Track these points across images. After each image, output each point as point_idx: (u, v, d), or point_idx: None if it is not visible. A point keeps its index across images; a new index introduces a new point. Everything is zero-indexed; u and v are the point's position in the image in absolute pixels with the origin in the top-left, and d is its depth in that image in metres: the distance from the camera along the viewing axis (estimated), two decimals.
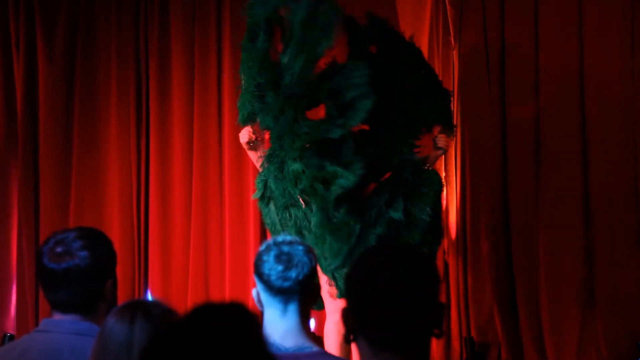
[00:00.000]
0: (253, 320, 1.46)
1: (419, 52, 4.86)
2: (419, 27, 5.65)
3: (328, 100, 4.32)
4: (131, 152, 6.31)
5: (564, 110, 5.58)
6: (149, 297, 6.07)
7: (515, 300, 5.57)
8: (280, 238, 2.40)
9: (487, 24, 5.72)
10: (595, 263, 5.48)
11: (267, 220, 4.65)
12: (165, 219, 6.25)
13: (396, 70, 4.61)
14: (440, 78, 5.09)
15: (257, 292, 2.40)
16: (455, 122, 5.21)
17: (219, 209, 6.16)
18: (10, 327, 6.22)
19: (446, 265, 5.68)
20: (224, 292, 6.01)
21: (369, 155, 4.40)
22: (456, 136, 5.40)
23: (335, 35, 4.37)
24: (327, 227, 4.30)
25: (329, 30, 4.31)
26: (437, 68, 5.55)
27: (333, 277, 4.44)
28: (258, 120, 4.48)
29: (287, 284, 2.33)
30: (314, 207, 4.35)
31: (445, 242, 5.58)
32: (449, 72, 5.71)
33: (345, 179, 4.21)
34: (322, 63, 4.41)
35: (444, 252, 5.65)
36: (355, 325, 1.83)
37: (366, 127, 4.53)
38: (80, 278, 2.23)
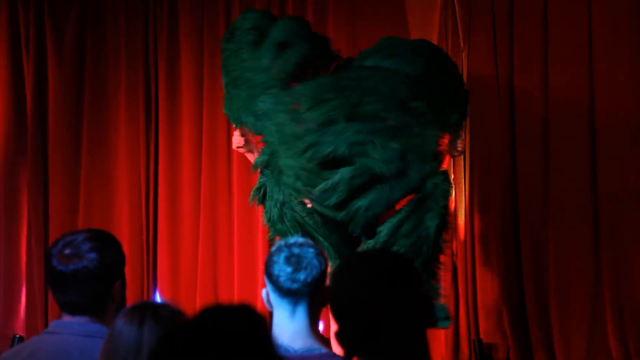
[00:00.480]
0: (261, 322, 1.46)
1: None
2: (427, 29, 5.65)
3: None
4: (140, 153, 6.31)
5: (573, 111, 5.56)
6: (158, 298, 6.08)
7: (524, 302, 5.56)
8: (292, 240, 2.41)
9: (496, 26, 5.71)
10: (604, 264, 5.46)
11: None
12: (174, 219, 6.25)
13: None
14: None
15: (266, 292, 2.41)
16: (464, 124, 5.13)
17: (228, 210, 6.16)
18: (20, 328, 6.23)
19: (455, 267, 5.67)
20: (233, 293, 6.01)
21: (393, 150, 4.22)
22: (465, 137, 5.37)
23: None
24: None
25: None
26: None
27: None
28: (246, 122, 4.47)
29: (295, 285, 2.34)
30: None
31: (453, 244, 5.57)
32: None
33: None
34: None
35: (453, 254, 5.63)
36: (351, 345, 1.84)
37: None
38: (88, 280, 2.24)
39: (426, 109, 4.31)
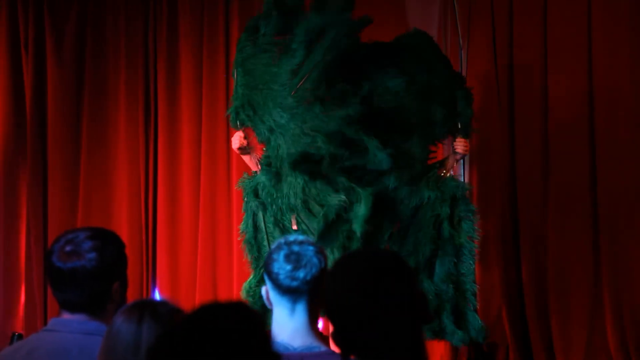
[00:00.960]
0: (258, 320, 1.46)
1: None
2: (427, 27, 5.64)
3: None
4: (139, 153, 6.32)
5: (573, 111, 5.56)
6: (157, 296, 6.08)
7: (524, 302, 5.56)
8: (292, 237, 2.40)
9: (496, 24, 5.71)
10: (604, 264, 5.46)
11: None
12: (173, 219, 6.25)
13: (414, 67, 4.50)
14: None
15: (266, 290, 2.41)
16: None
17: (227, 209, 6.16)
18: (19, 326, 6.24)
19: None
20: (232, 292, 6.00)
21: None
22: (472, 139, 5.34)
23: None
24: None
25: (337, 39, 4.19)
26: None
27: None
28: (249, 125, 4.45)
29: (295, 283, 2.33)
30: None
31: None
32: None
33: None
34: None
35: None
36: (347, 344, 1.84)
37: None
38: (86, 278, 2.23)
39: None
